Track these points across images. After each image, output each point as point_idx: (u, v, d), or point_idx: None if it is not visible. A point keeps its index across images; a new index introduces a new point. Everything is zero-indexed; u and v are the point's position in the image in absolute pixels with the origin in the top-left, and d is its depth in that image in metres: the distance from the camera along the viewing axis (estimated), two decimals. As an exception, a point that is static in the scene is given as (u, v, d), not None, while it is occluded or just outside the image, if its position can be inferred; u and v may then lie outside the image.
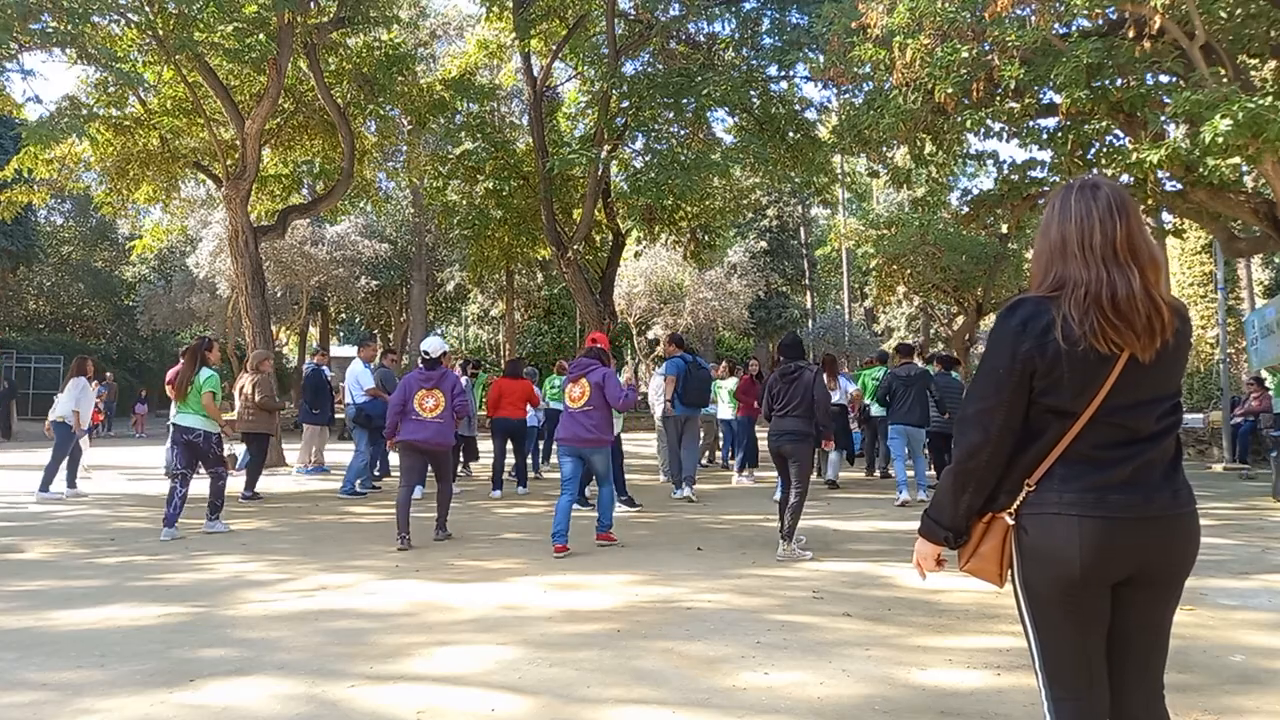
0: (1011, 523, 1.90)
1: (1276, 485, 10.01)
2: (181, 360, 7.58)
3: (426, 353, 7.36)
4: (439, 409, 7.10)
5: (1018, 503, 1.89)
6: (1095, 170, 11.17)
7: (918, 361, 10.30)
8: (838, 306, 38.93)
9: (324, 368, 12.42)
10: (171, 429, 7.45)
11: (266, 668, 3.77)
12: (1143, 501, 1.82)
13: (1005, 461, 1.91)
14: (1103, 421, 1.84)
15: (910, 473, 9.79)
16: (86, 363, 10.33)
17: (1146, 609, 1.90)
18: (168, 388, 7.62)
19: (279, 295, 29.39)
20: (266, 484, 10.11)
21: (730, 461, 13.93)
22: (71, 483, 10.19)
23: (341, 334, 43.78)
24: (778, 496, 9.79)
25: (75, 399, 9.97)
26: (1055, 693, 1.91)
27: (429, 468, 7.33)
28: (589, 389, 6.76)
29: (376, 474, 11.23)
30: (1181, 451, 1.94)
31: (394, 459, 12.04)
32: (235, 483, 10.34)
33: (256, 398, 9.85)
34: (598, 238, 19.53)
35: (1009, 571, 1.95)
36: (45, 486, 9.87)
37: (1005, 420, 1.88)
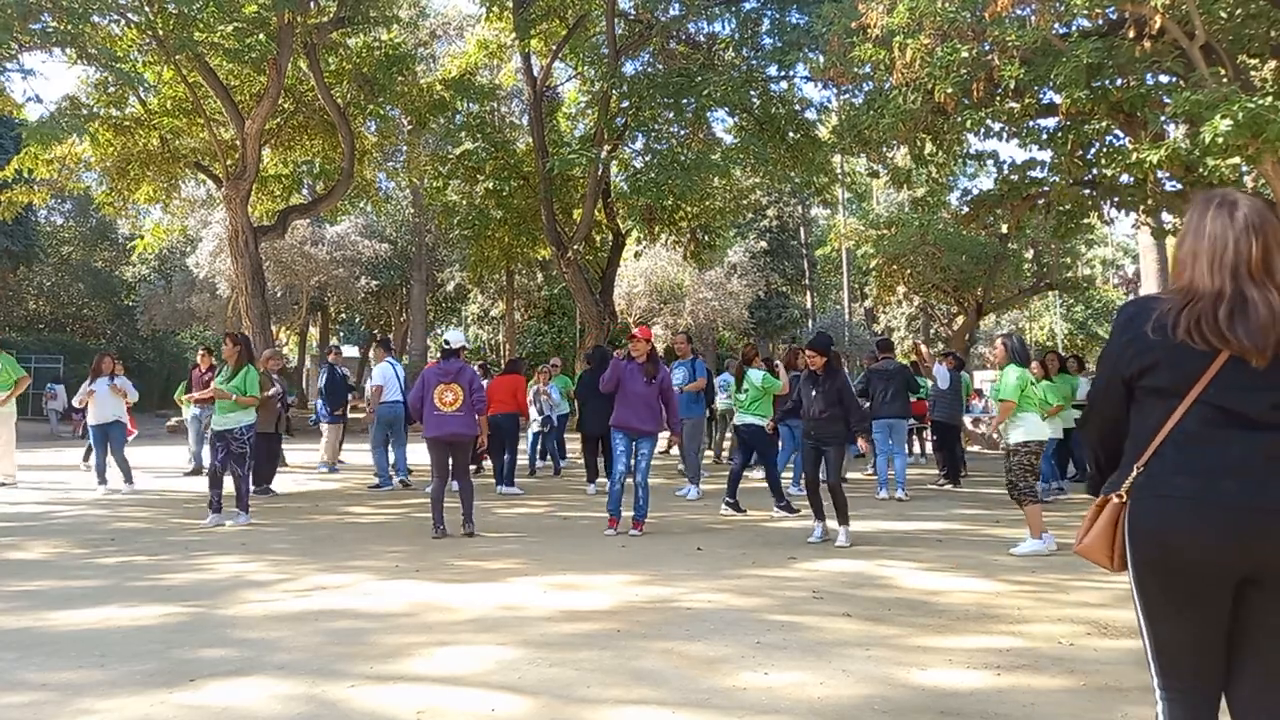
0: (1118, 501, 1.93)
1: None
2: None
3: (447, 342, 7.57)
4: (458, 403, 7.24)
5: (1128, 484, 1.92)
6: (1095, 170, 11.19)
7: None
8: (838, 306, 38.93)
9: (339, 367, 12.55)
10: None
11: (266, 668, 3.76)
12: (1260, 494, 1.78)
13: (1112, 436, 2.03)
14: (1210, 404, 1.84)
15: (891, 473, 9.85)
16: (105, 359, 10.53)
17: (1273, 615, 1.84)
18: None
19: (279, 295, 29.38)
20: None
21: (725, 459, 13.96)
22: (102, 478, 10.21)
23: (342, 334, 43.77)
24: (795, 490, 9.93)
25: (111, 395, 10.17)
26: (1167, 685, 1.90)
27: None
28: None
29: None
30: None
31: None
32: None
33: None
34: (598, 238, 19.54)
35: (1119, 556, 1.95)
36: (129, 478, 10.26)
37: (1106, 399, 2.05)
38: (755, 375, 8.44)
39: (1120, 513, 1.93)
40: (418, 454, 13.30)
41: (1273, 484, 1.78)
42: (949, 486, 10.79)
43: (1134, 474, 1.91)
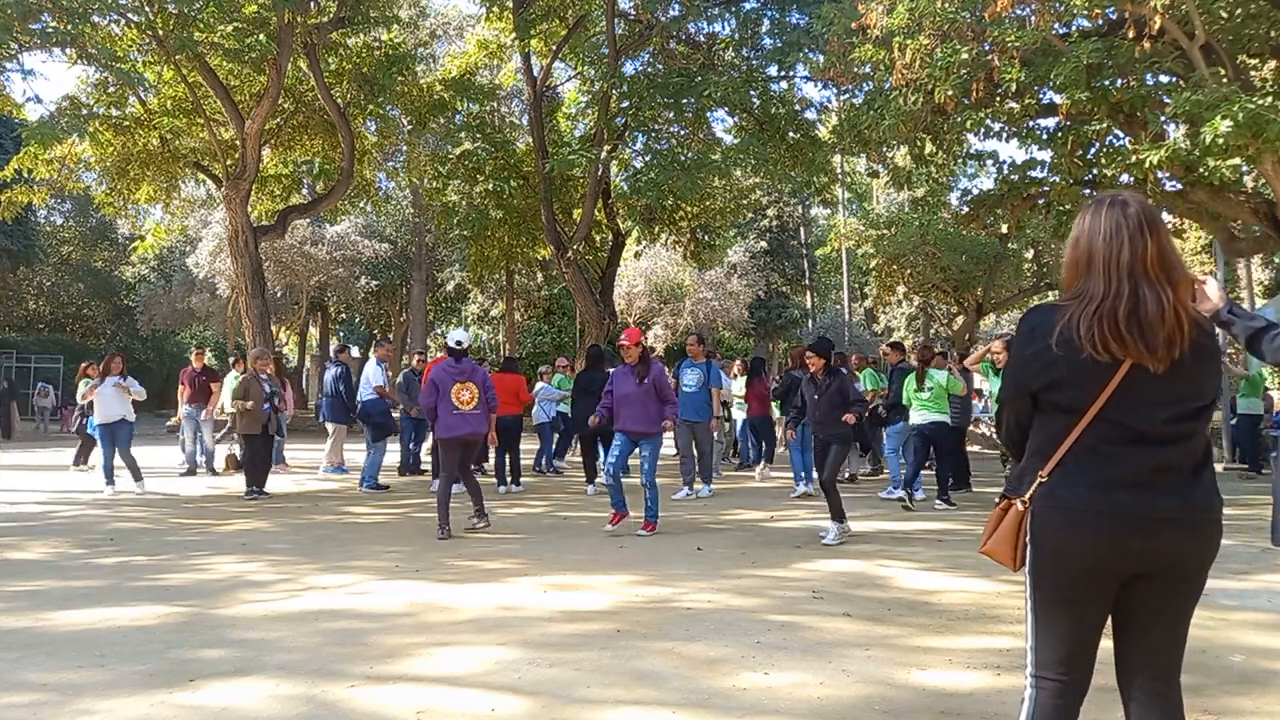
0: (1021, 508, 2.02)
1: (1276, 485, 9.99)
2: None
3: (459, 342, 7.49)
4: (474, 401, 7.26)
5: (1031, 491, 2.00)
6: (1095, 170, 11.19)
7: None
8: (838, 306, 38.94)
9: (348, 367, 12.60)
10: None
11: (266, 668, 3.76)
12: (1147, 504, 1.89)
13: (1021, 437, 2.09)
14: (1109, 420, 1.91)
15: (903, 471, 9.83)
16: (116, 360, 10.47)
17: (1158, 603, 1.98)
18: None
19: (279, 295, 29.40)
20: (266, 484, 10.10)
21: (733, 458, 13.90)
22: (110, 479, 10.16)
23: (341, 334, 43.77)
24: (802, 490, 9.89)
25: (118, 395, 10.09)
26: (1038, 672, 2.02)
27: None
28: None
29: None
30: (1210, 457, 1.99)
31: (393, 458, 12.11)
32: (235, 481, 10.35)
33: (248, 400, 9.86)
34: (598, 238, 19.55)
35: (1021, 556, 2.05)
36: (138, 476, 10.10)
37: (1012, 411, 2.10)
38: (940, 375, 8.74)
39: (1023, 518, 2.02)
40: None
41: (1160, 494, 1.90)
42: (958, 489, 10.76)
43: (1037, 482, 1.99)
